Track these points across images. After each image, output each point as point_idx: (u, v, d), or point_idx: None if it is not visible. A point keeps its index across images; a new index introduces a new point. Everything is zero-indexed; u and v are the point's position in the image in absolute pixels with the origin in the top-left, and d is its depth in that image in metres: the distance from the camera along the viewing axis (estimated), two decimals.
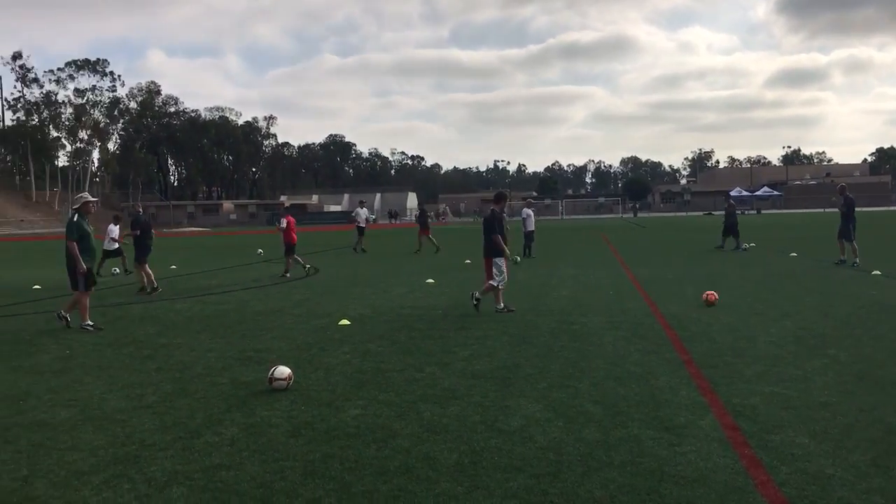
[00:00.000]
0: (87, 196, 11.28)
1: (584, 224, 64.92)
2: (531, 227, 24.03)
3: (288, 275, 18.85)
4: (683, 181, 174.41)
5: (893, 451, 4.88)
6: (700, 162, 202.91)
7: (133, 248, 16.02)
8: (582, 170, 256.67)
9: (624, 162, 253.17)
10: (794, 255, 21.24)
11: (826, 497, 4.18)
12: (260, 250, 29.73)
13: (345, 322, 10.77)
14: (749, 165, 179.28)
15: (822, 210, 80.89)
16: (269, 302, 13.57)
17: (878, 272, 15.52)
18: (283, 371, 6.93)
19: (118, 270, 20.86)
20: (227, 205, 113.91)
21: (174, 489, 4.52)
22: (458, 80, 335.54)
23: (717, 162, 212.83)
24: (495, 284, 11.53)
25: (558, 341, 8.96)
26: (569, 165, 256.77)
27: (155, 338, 10.01)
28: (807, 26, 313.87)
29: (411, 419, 5.85)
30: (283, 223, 19.31)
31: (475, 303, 11.57)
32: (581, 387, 6.74)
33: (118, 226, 20.37)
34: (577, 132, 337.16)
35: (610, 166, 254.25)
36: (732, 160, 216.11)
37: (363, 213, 29.64)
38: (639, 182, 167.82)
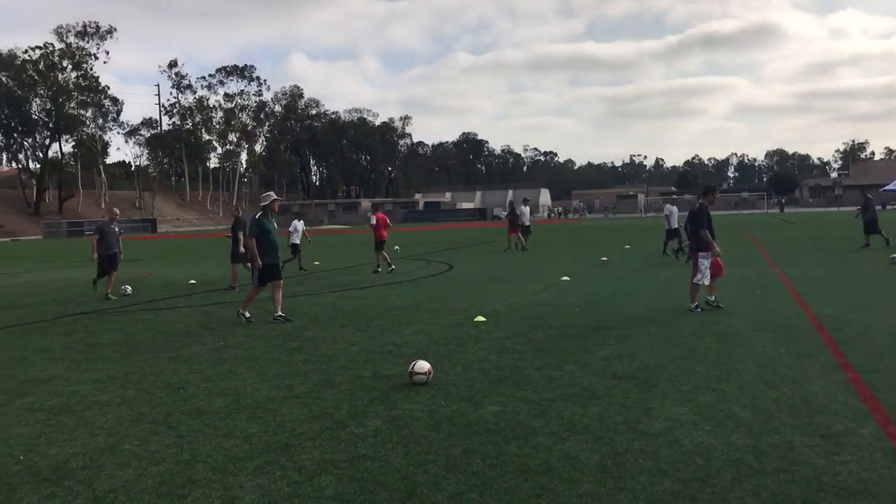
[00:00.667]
0: (273, 195, 11.71)
1: (727, 220, 62.32)
2: (674, 223, 23.30)
3: (379, 270, 19.40)
4: (834, 174, 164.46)
5: None
6: (853, 154, 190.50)
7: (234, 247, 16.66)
8: (724, 164, 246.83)
9: (769, 155, 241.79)
10: None
11: None
12: (397, 247, 30.37)
13: (480, 319, 10.84)
14: None
15: None
16: (406, 297, 13.85)
17: None
18: (423, 366, 7.05)
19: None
20: (365, 203, 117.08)
21: (323, 478, 4.68)
22: (592, 73, 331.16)
23: (872, 153, 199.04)
24: (696, 282, 11.04)
25: (703, 342, 8.65)
26: (709, 159, 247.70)
27: (301, 331, 10.43)
28: None
29: (551, 418, 5.81)
30: (373, 220, 19.83)
31: (707, 307, 11.07)
32: (729, 390, 6.47)
33: (301, 221, 21.69)
34: (718, 125, 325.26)
35: (754, 160, 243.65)
36: (889, 151, 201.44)
37: (526, 210, 28.23)
38: (785, 176, 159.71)
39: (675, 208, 23.27)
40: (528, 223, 27.80)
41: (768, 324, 9.71)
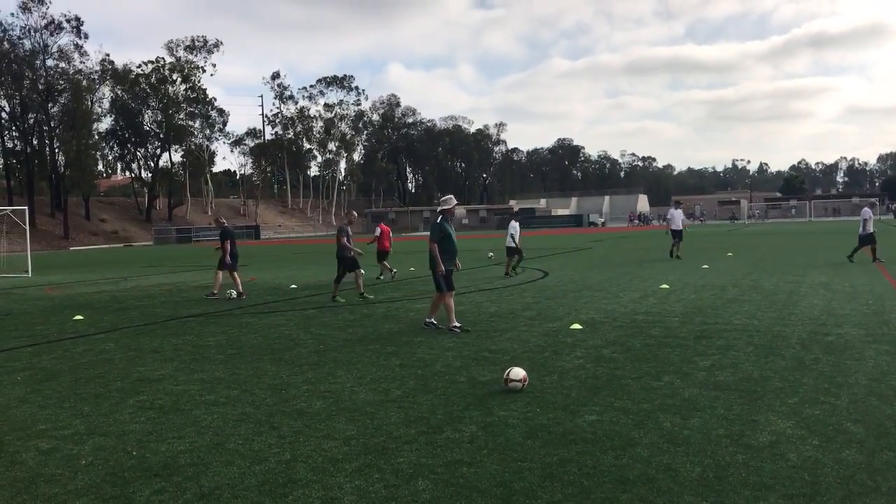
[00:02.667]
0: (454, 199, 11.37)
1: (836, 227, 59.59)
2: (676, 226, 25.59)
3: (382, 276, 20.49)
4: None
5: None
6: None
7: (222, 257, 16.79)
8: (832, 168, 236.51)
9: (882, 159, 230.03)
10: None
11: None
12: (491, 254, 30.39)
13: (576, 326, 10.72)
14: None
15: None
16: (501, 304, 13.83)
17: None
18: (519, 373, 7.03)
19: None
20: (460, 210, 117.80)
21: (419, 482, 4.73)
22: (693, 76, 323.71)
23: None
24: None
25: (810, 354, 8.30)
26: (817, 164, 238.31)
27: (398, 335, 10.57)
28: None
29: (650, 428, 5.69)
30: (378, 231, 21.02)
31: None
32: (839, 403, 6.19)
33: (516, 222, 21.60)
34: (826, 127, 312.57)
35: (865, 164, 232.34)
36: None
37: (678, 214, 26.76)
38: None
39: (677, 212, 24.13)
40: (679, 228, 25.87)
41: (882, 335, 9.24)
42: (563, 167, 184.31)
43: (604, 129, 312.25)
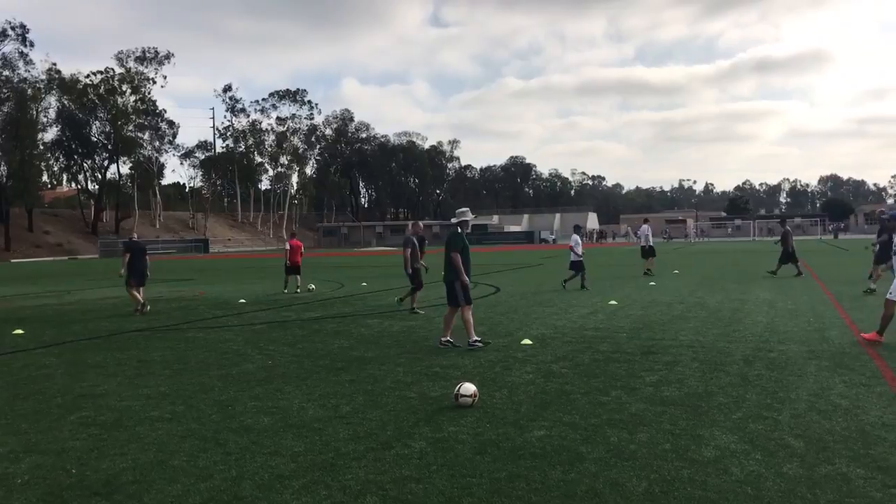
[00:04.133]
0: (469, 211, 11.20)
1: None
2: (648, 242, 26.49)
3: (298, 290, 21.22)
4: (891, 200, 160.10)
5: None
6: None
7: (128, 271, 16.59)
8: (775, 189, 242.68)
9: (822, 180, 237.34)
10: None
11: None
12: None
13: (527, 342, 10.78)
14: None
15: None
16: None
17: None
18: (469, 388, 7.04)
19: (313, 286, 22.14)
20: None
21: (367, 498, 4.69)
22: (642, 98, 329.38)
23: None
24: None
25: (754, 370, 8.47)
26: (761, 184, 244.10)
27: (348, 351, 10.50)
28: None
29: (598, 443, 5.74)
30: (287, 245, 22.04)
31: None
32: (781, 418, 6.32)
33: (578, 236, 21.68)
34: (770, 149, 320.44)
35: (807, 185, 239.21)
36: None
37: (646, 230, 27.18)
38: (839, 202, 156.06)
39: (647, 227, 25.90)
40: (648, 244, 26.40)
41: (822, 352, 9.48)
42: (515, 184, 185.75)
43: (555, 148, 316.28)
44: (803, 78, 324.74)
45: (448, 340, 10.67)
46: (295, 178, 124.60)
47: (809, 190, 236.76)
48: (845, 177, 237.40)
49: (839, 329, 11.47)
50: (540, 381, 8.14)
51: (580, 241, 20.75)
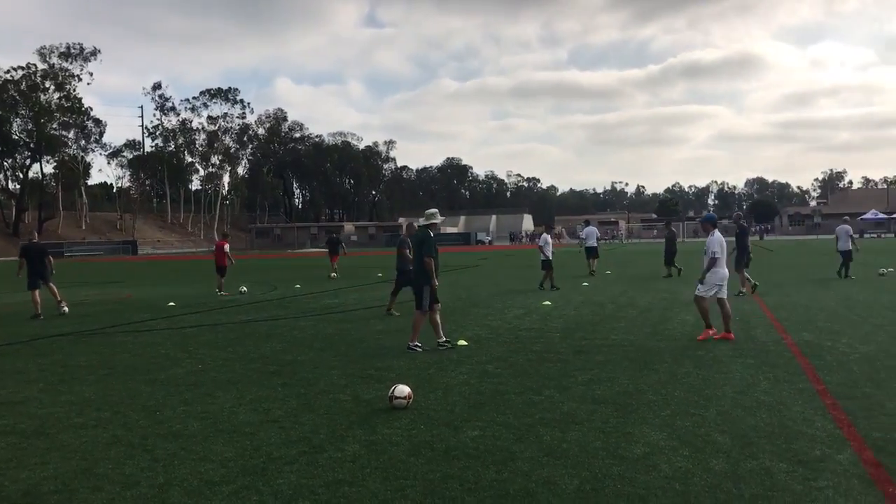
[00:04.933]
0: (438, 213, 10.92)
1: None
2: (591, 243, 26.55)
3: (223, 293, 20.88)
4: (813, 203, 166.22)
5: None
6: (831, 183, 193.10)
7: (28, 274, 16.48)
8: (704, 191, 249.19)
9: (749, 183, 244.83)
10: None
11: None
12: (380, 273, 30.32)
13: (462, 343, 10.81)
14: (885, 186, 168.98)
15: None
16: (389, 321, 13.80)
17: None
18: (404, 390, 7.02)
19: (245, 289, 21.79)
20: (348, 226, 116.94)
21: (299, 503, 4.63)
22: (576, 101, 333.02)
23: (850, 183, 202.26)
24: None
25: (682, 368, 8.67)
26: (690, 187, 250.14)
27: (281, 354, 10.36)
28: None
29: (531, 442, 5.79)
30: (227, 247, 22.07)
31: None
32: (707, 415, 6.48)
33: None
34: (699, 153, 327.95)
35: (734, 188, 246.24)
36: (867, 181, 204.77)
37: (593, 231, 27.50)
38: (765, 204, 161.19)
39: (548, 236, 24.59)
40: (592, 245, 26.62)
41: (748, 350, 9.76)
42: (451, 186, 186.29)
43: (491, 150, 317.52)
44: (731, 83, 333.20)
45: (416, 345, 10.41)
46: (226, 179, 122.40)
47: (737, 192, 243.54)
48: (770, 179, 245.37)
49: (764, 328, 11.83)
50: (474, 381, 8.17)
51: (550, 241, 20.91)
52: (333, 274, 27.62)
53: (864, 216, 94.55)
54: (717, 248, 10.80)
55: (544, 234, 21.31)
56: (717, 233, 11.01)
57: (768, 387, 7.55)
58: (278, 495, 4.76)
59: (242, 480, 5.06)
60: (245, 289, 21.87)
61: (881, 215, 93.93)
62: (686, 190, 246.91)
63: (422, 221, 10.77)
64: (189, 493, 4.85)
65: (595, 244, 26.62)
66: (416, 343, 10.41)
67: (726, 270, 11.00)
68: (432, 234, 10.52)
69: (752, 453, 5.40)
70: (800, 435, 5.82)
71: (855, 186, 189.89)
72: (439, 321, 10.59)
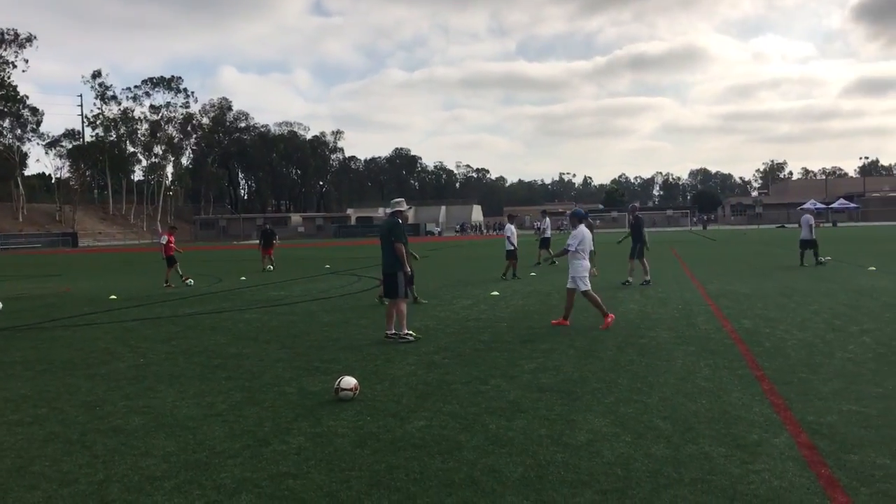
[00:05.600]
0: (404, 202, 10.98)
1: (652, 237, 63.86)
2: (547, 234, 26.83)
3: (172, 285, 20.84)
4: (755, 193, 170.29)
5: None
6: (772, 174, 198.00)
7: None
8: (650, 182, 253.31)
9: (693, 174, 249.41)
10: (873, 269, 20.47)
11: None
12: (327, 265, 30.12)
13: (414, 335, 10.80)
14: (824, 177, 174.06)
15: None
16: (336, 313, 13.72)
17: None
18: (350, 381, 6.99)
19: (191, 281, 21.44)
20: (295, 218, 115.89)
21: (242, 496, 4.58)
22: (525, 92, 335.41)
23: (791, 174, 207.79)
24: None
25: (626, 356, 8.81)
26: (636, 178, 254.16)
27: (225, 347, 10.22)
28: (885, 33, 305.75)
29: (476, 431, 5.82)
30: (164, 239, 22.20)
31: None
32: (650, 402, 6.60)
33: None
34: (645, 144, 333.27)
35: (678, 178, 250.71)
36: (806, 172, 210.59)
37: (548, 221, 28.36)
38: (708, 194, 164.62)
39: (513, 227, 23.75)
40: (545, 235, 27.11)
41: (690, 338, 9.96)
42: (400, 176, 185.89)
43: (441, 141, 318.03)
44: (676, 75, 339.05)
45: (394, 334, 10.37)
46: (170, 169, 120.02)
47: (681, 183, 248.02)
48: (714, 170, 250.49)
49: (705, 316, 12.09)
50: (422, 372, 8.18)
51: (514, 231, 20.98)
52: (270, 266, 27.23)
53: (803, 206, 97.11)
54: (572, 241, 11.23)
55: (508, 225, 21.42)
56: (581, 227, 11.35)
57: (709, 373, 7.72)
58: (221, 489, 4.71)
59: (185, 475, 4.99)
60: (192, 281, 21.52)
61: (819, 205, 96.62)
62: (632, 181, 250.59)
63: (388, 210, 10.82)
64: (129, 489, 4.76)
65: (549, 235, 27.04)
66: (409, 331, 10.41)
67: (586, 262, 11.31)
68: (400, 222, 10.63)
69: (693, 438, 5.52)
70: (738, 420, 5.96)
71: (795, 177, 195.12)
72: (405, 312, 10.52)
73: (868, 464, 4.86)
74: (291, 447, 5.55)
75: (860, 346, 8.98)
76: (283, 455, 5.36)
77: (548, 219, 28.37)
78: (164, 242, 22.04)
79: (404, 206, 10.95)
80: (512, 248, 20.74)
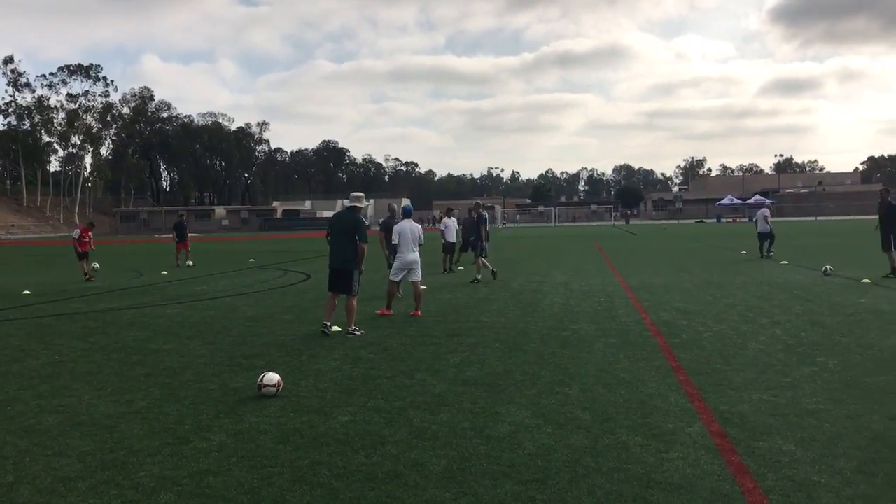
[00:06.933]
0: (364, 197, 10.86)
1: (577, 231, 65.07)
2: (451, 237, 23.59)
3: (92, 279, 20.62)
4: (675, 189, 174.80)
5: (879, 458, 4.91)
6: (692, 170, 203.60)
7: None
8: (575, 177, 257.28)
9: (617, 170, 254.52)
10: (785, 263, 21.33)
11: None
12: (252, 259, 29.65)
13: (336, 329, 10.74)
14: (741, 174, 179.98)
15: (813, 219, 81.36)
16: (259, 308, 13.55)
17: (868, 280, 15.61)
18: (273, 377, 6.92)
19: (97, 265, 20.84)
20: (220, 210, 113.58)
21: (162, 495, 4.50)
22: (453, 86, 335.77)
23: (710, 170, 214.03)
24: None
25: (549, 348, 8.98)
26: (562, 173, 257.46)
27: (144, 343, 9.98)
28: (801, 35, 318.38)
29: (401, 426, 5.85)
30: (76, 233, 21.83)
31: None
32: (571, 393, 6.75)
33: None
34: (571, 140, 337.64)
35: (603, 174, 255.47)
36: (725, 168, 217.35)
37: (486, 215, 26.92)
38: (631, 190, 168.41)
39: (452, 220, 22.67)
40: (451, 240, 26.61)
41: (610, 330, 10.21)
42: (328, 169, 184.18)
43: (370, 133, 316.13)
44: (601, 73, 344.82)
45: (329, 326, 10.40)
46: (89, 160, 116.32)
47: (605, 178, 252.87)
48: (637, 166, 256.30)
49: (626, 308, 12.39)
50: (347, 367, 8.16)
51: (451, 225, 21.00)
52: (189, 262, 26.11)
53: (721, 202, 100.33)
54: (395, 235, 12.14)
55: (445, 219, 21.43)
56: (403, 223, 12.14)
57: (628, 364, 7.93)
58: (139, 488, 4.61)
59: (101, 475, 4.87)
60: (97, 265, 21.21)
61: (737, 200, 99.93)
62: (558, 176, 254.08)
63: (346, 204, 10.78)
64: (41, 490, 4.62)
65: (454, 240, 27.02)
66: (355, 328, 10.39)
67: (412, 257, 12.05)
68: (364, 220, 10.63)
69: (611, 428, 5.67)
70: (655, 410, 6.15)
71: (714, 173, 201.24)
72: (355, 308, 10.52)
73: (775, 450, 5.09)
74: (213, 444, 5.47)
75: (771, 338, 9.36)
76: (204, 452, 5.29)
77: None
78: (77, 237, 21.52)
79: (363, 203, 10.84)
80: (447, 241, 20.85)
